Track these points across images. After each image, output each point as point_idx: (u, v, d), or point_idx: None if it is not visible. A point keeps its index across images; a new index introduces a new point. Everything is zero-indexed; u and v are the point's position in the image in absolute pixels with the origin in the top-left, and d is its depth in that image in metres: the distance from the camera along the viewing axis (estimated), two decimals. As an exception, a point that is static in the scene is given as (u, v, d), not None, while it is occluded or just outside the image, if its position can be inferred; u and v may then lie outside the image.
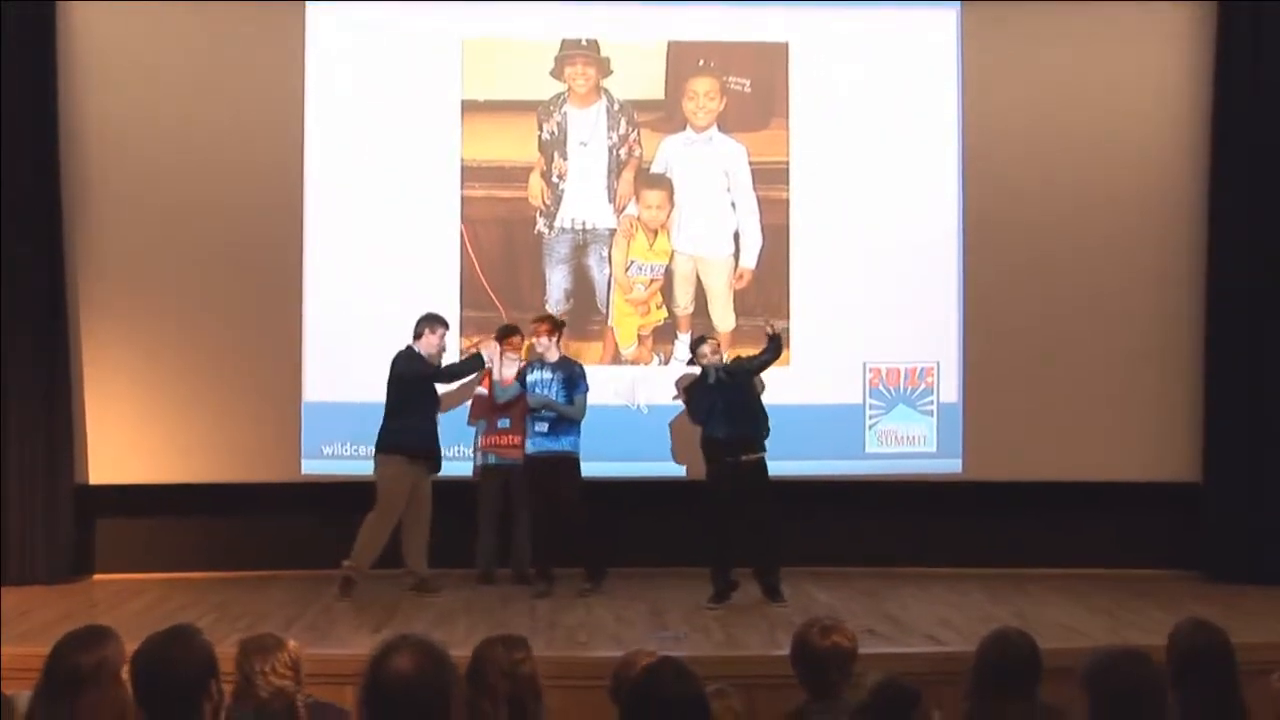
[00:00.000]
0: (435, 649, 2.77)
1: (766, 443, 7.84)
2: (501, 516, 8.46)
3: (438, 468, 8.09)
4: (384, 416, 8.00)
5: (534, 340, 8.13)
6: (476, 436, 8.54)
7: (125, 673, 3.43)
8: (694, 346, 8.11)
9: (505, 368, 8.33)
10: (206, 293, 8.70)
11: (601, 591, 7.99)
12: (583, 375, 8.11)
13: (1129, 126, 8.91)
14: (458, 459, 8.57)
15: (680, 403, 8.35)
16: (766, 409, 7.96)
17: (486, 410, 8.46)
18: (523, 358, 8.38)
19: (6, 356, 8.47)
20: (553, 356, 8.06)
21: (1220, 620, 6.92)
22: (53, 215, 8.55)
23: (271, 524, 8.67)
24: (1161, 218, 8.92)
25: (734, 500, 7.70)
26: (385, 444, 7.96)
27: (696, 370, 8.08)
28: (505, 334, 8.44)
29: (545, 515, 8.00)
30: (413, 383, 7.98)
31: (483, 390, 8.48)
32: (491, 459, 8.44)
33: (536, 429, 7.99)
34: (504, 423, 8.36)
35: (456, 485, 8.35)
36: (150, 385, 8.70)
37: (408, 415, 7.95)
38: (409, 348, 8.05)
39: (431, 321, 8.09)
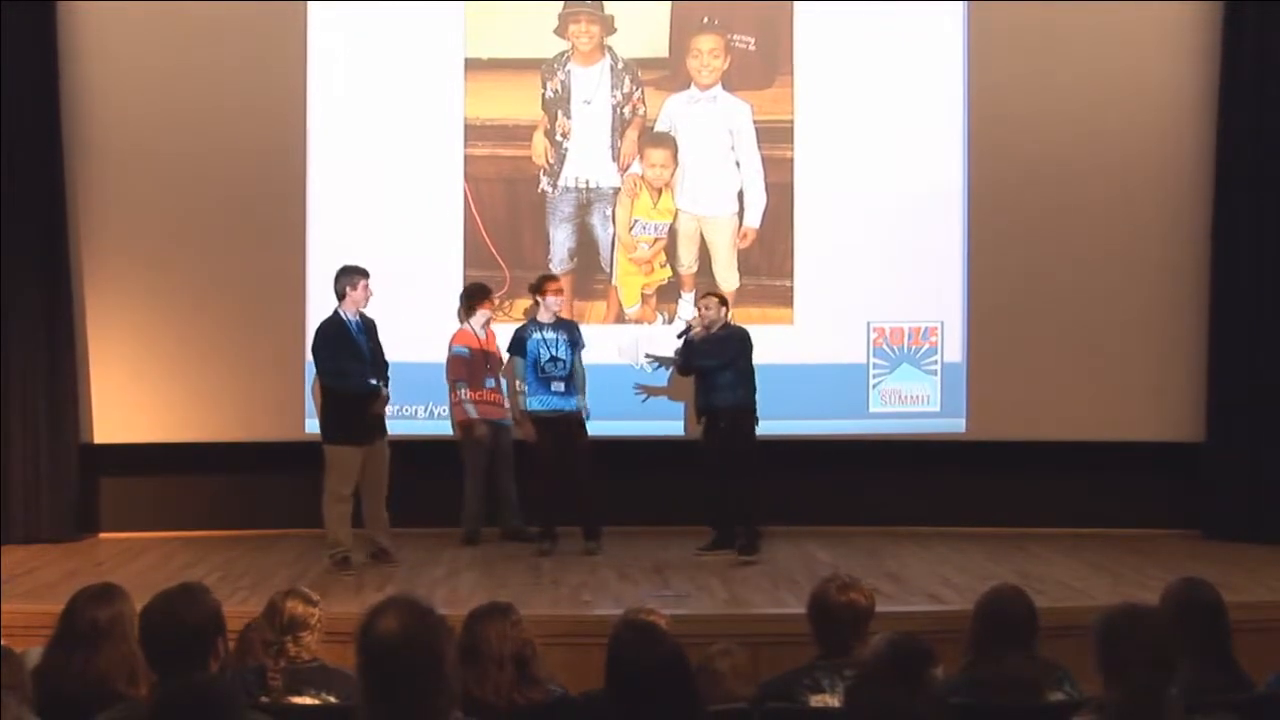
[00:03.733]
0: (420, 606, 2.80)
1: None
2: (486, 475, 8.42)
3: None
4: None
5: (544, 300, 8.06)
6: (452, 395, 8.37)
7: (135, 629, 3.47)
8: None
9: (479, 328, 8.34)
10: (210, 251, 8.69)
11: (604, 550, 8.01)
12: (580, 335, 8.16)
13: (1135, 88, 8.85)
14: (440, 419, 8.54)
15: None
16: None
17: (466, 370, 8.32)
18: (492, 315, 8.44)
19: (9, 315, 8.47)
20: (548, 317, 8.05)
21: (1221, 579, 6.98)
22: (54, 171, 8.53)
23: (275, 483, 8.68)
24: (1167, 177, 8.87)
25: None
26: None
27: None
28: (483, 294, 8.42)
29: (555, 473, 7.98)
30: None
31: (460, 349, 8.33)
32: (475, 418, 8.33)
33: (553, 388, 7.97)
34: (490, 382, 8.31)
35: (436, 445, 8.35)
36: (154, 344, 8.70)
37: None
38: (334, 313, 7.66)
39: (350, 275, 7.63)
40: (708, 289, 8.43)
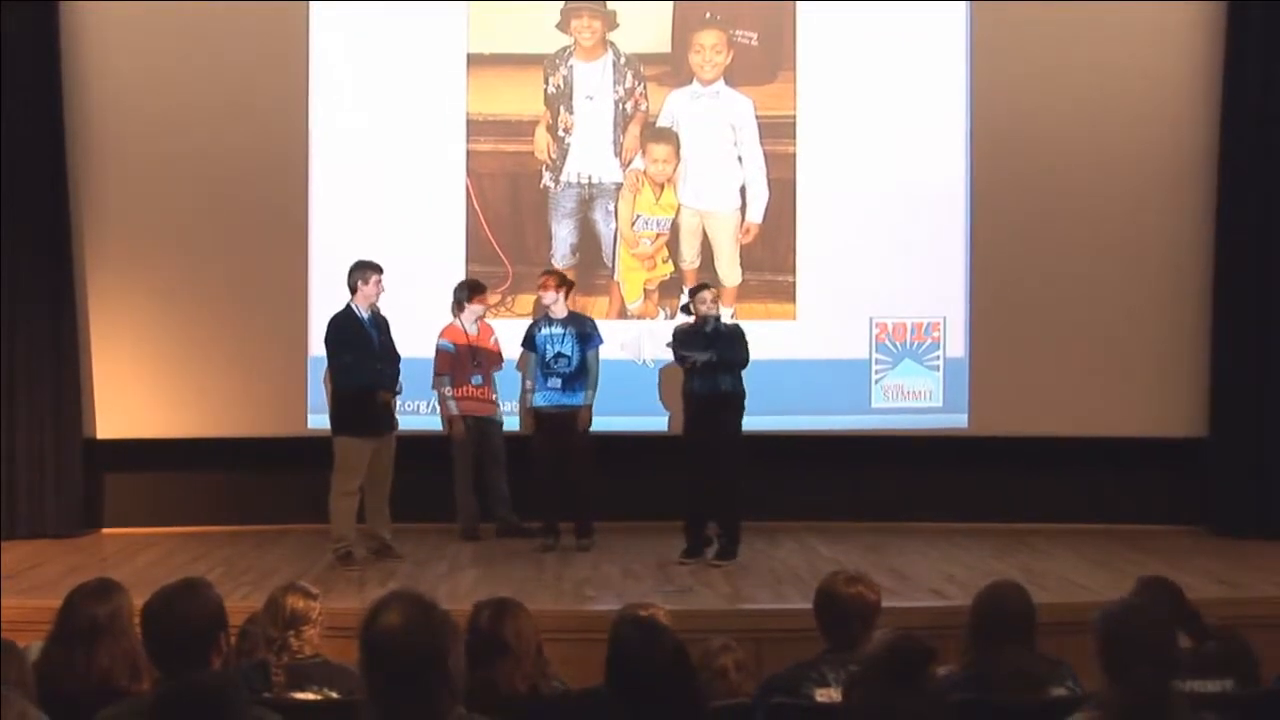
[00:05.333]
0: (424, 601, 2.79)
1: (746, 402, 7.71)
2: (476, 470, 8.40)
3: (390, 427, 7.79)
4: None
5: (541, 294, 8.11)
6: (441, 390, 8.32)
7: (135, 624, 3.47)
8: (694, 292, 7.89)
9: (469, 324, 8.32)
10: (213, 248, 8.69)
11: (596, 545, 8.01)
12: (595, 330, 8.12)
13: (1138, 85, 8.83)
14: (427, 414, 8.53)
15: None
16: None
17: (449, 365, 8.29)
18: (487, 312, 8.44)
19: (13, 312, 8.48)
20: (560, 312, 8.05)
21: (1225, 574, 6.99)
22: (57, 170, 8.53)
23: (278, 478, 8.68)
24: (1169, 173, 8.86)
25: (704, 453, 7.62)
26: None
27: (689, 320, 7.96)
28: (476, 290, 8.37)
29: (554, 469, 7.99)
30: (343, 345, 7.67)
31: (445, 344, 8.30)
32: (454, 414, 8.30)
33: (550, 384, 7.98)
34: (477, 379, 8.29)
35: (438, 440, 8.33)
36: (157, 341, 8.71)
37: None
38: (346, 306, 7.71)
39: (363, 270, 7.66)
40: (699, 282, 8.22)
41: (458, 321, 8.37)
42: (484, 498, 8.46)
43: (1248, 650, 3.89)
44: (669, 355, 8.54)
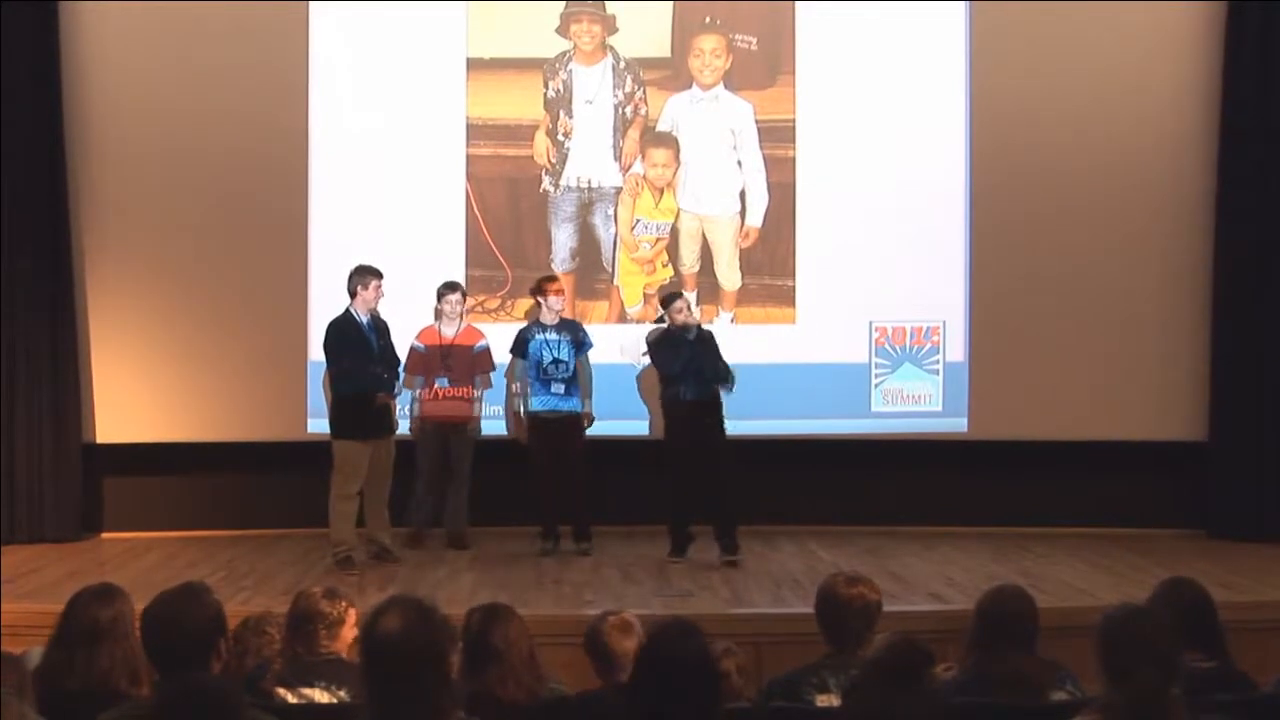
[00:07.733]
0: (423, 606, 2.81)
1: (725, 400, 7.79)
2: (440, 476, 8.33)
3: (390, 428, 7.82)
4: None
5: (545, 300, 8.06)
6: (414, 393, 8.25)
7: (136, 629, 3.48)
8: (666, 302, 7.89)
9: (446, 326, 8.27)
10: (213, 251, 8.69)
11: (595, 549, 8.00)
12: (586, 336, 8.14)
13: (1138, 87, 8.83)
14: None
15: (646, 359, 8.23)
16: (740, 369, 7.92)
17: (420, 366, 8.23)
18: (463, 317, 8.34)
19: (12, 315, 8.48)
20: (554, 319, 8.04)
21: (1225, 578, 6.99)
22: (55, 171, 8.52)
23: (278, 483, 8.67)
24: (1169, 176, 8.85)
25: (694, 457, 7.67)
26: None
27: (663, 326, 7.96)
28: (445, 289, 8.29)
29: (553, 473, 7.98)
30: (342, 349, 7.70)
31: (419, 345, 8.23)
32: (416, 416, 8.26)
33: (553, 389, 7.97)
34: (442, 381, 8.19)
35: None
36: (157, 344, 8.70)
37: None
38: (345, 311, 7.73)
39: (362, 275, 7.69)
40: (670, 291, 8.23)
41: (436, 323, 8.34)
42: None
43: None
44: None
